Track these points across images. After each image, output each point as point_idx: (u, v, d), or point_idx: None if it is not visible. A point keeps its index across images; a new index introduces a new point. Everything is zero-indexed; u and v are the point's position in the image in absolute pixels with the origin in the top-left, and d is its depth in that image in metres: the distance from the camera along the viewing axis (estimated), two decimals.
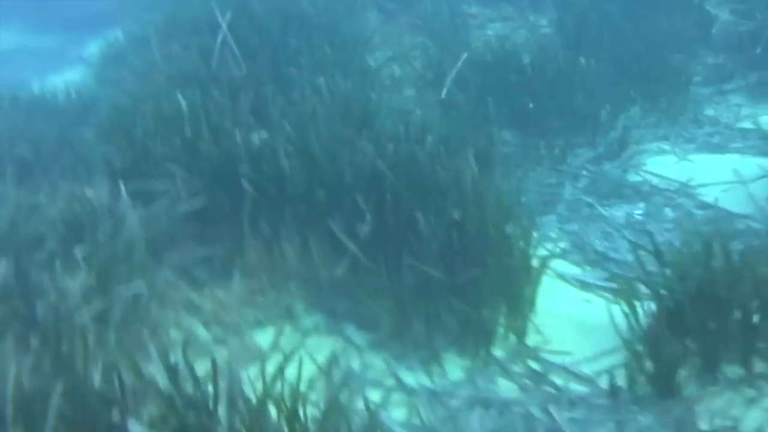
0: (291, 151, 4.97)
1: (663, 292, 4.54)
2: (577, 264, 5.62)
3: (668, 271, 4.60)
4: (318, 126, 5.10)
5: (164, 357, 3.48)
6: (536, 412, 4.31)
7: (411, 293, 4.68)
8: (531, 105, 6.95)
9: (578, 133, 7.01)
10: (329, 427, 3.34)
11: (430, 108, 6.22)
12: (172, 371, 3.39)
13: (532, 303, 4.95)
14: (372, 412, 3.50)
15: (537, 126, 6.94)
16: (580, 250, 5.77)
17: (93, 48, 10.44)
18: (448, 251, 4.66)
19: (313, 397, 4.02)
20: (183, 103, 5.27)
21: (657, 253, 4.73)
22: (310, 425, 3.40)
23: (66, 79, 9.46)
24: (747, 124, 7.25)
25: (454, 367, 4.67)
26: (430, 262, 4.63)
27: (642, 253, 4.95)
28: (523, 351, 4.75)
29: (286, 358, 3.75)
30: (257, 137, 5.07)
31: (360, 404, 4.04)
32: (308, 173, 4.91)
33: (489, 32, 8.31)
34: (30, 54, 11.21)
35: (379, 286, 4.75)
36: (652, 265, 4.80)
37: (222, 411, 3.26)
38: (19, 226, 4.51)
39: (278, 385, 3.60)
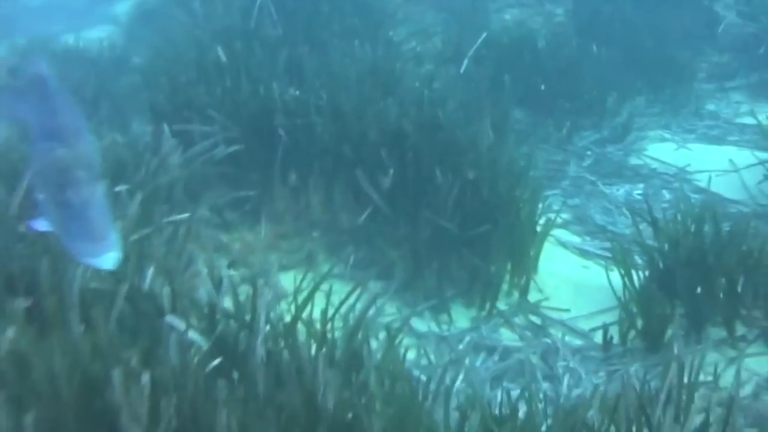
0: (322, 108, 5.33)
1: (656, 256, 4.95)
2: (578, 234, 6.03)
3: (662, 238, 5.00)
4: (348, 86, 5.46)
5: (211, 272, 3.87)
6: (534, 359, 4.71)
7: (425, 244, 5.06)
8: (542, 87, 7.34)
9: (585, 116, 7.42)
10: (354, 344, 3.71)
11: (449, 80, 6.59)
12: (217, 285, 3.77)
13: (535, 263, 5.34)
14: (391, 334, 3.86)
15: (547, 106, 7.33)
16: (581, 222, 6.18)
17: (121, 8, 10.70)
18: (461, 207, 5.03)
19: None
20: (222, 55, 5.63)
21: (653, 221, 5.13)
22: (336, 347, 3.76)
23: (95, 36, 9.73)
24: (746, 120, 7.65)
25: (462, 317, 5.06)
26: (445, 216, 5.00)
27: (639, 221, 5.35)
28: (525, 306, 5.15)
29: (314, 289, 4.09)
30: (291, 93, 5.42)
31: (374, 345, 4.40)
32: (337, 129, 5.27)
33: (507, 17, 8.68)
34: (58, 11, 11.41)
35: (396, 236, 5.13)
36: (648, 236, 5.21)
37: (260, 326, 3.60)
38: None
39: (306, 312, 3.96)
